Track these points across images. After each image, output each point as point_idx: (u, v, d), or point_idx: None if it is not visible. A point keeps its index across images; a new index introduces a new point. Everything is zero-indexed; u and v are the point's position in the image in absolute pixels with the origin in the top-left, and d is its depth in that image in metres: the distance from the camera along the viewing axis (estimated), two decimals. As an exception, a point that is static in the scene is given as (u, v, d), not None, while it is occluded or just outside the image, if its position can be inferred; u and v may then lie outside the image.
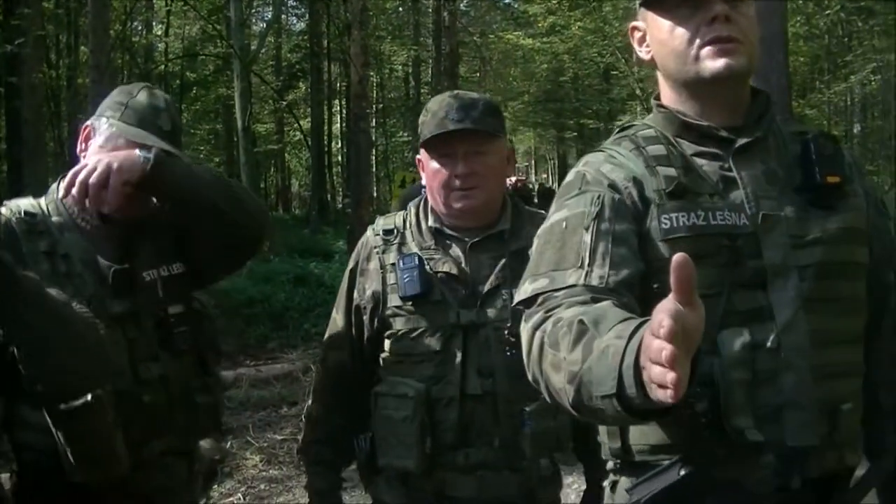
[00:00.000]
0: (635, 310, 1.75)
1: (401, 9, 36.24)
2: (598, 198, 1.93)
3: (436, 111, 2.81)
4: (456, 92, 2.93)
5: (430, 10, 33.87)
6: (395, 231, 2.92)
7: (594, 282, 1.81)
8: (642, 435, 1.94)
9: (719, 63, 1.92)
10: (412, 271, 2.78)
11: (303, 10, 35.06)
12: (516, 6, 38.96)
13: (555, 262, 1.88)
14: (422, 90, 37.60)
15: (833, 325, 1.93)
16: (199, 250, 2.68)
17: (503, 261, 2.80)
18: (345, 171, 35.85)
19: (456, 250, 2.86)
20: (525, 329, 1.84)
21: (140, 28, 29.75)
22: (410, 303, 2.79)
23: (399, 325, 2.82)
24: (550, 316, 1.76)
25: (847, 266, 1.97)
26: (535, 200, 13.75)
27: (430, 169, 2.84)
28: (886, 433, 2.06)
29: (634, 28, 2.11)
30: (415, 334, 2.79)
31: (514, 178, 36.87)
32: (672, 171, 1.95)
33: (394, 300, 2.82)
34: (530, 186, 33.02)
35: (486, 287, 2.79)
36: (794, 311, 1.88)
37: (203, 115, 36.86)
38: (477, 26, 37.52)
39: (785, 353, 1.87)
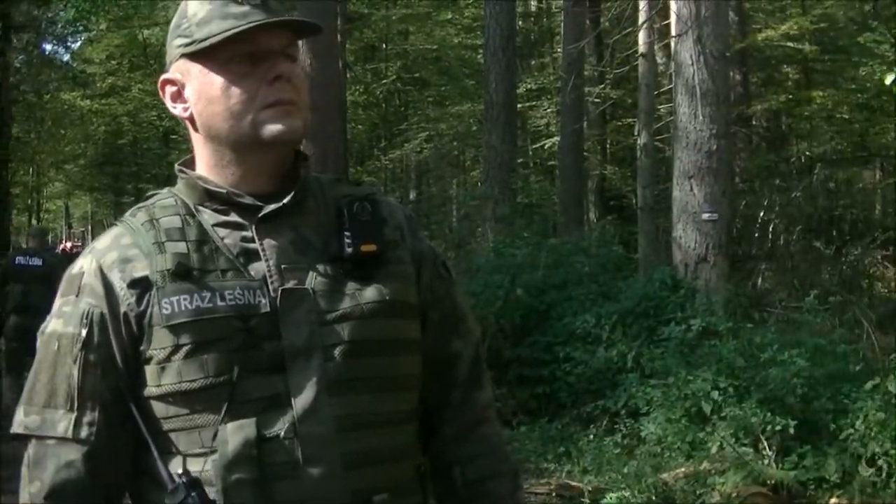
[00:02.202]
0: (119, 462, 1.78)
1: (-52, 62, 34.05)
2: (88, 316, 1.76)
3: None
4: None
5: (-19, 67, 32.20)
6: None
7: (83, 433, 1.74)
8: None
9: (280, 126, 1.76)
10: None
11: None
12: (75, 65, 37.89)
13: (47, 395, 1.77)
14: (-30, 150, 35.48)
15: (367, 408, 1.77)
16: None
17: None
18: None
19: None
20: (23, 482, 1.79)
21: None
22: None
23: None
24: None
25: (384, 342, 1.81)
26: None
27: None
28: None
29: (168, 82, 1.87)
30: None
31: (69, 244, 35.59)
32: (182, 248, 1.76)
33: None
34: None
35: None
36: (314, 396, 1.72)
37: None
38: (31, 84, 35.99)
39: (304, 443, 1.70)
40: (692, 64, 9.52)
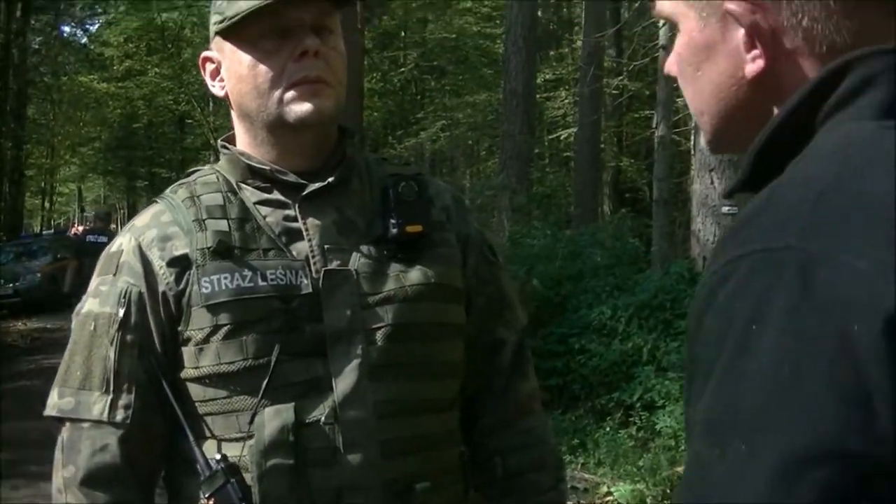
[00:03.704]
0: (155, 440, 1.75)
1: (-35, 43, 34.11)
2: (126, 295, 1.72)
3: None
4: None
5: (-2, 47, 32.27)
6: None
7: (119, 416, 1.69)
8: None
9: (305, 107, 1.69)
10: None
11: None
12: (92, 48, 37.95)
13: (83, 377, 1.72)
14: (-14, 131, 35.53)
15: (409, 394, 1.73)
16: None
17: None
18: None
19: None
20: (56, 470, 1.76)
21: None
22: None
23: None
24: None
25: (428, 326, 1.77)
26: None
27: None
28: (504, 501, 1.91)
29: (207, 59, 1.84)
30: None
31: (81, 228, 36.25)
32: (223, 225, 1.72)
33: None
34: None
35: None
36: (356, 381, 1.67)
37: None
38: (49, 66, 36.06)
39: (344, 429, 1.66)
40: (715, 56, 9.42)
